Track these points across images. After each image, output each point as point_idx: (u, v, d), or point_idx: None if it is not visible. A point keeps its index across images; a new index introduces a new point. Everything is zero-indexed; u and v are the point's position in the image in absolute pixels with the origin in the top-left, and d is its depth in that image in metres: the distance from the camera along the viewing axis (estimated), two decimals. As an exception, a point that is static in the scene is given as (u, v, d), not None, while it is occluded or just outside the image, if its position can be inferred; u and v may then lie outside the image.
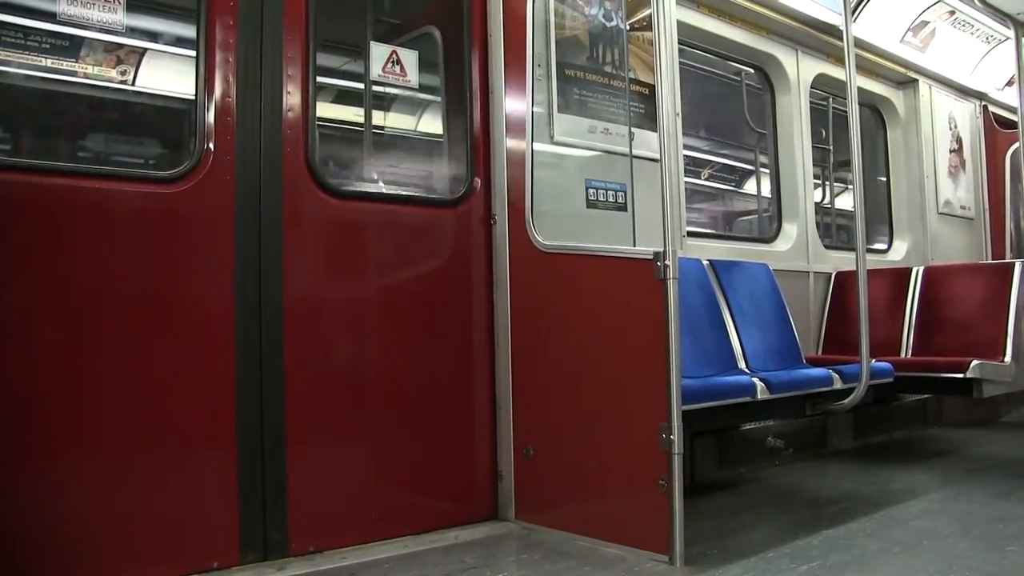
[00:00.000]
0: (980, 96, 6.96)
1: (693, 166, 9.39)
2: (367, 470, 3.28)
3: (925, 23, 6.00)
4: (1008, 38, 6.36)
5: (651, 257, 2.91)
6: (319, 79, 3.31)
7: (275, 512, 3.00)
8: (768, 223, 5.57)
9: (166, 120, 5.06)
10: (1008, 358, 4.60)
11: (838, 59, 5.50)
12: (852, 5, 5.13)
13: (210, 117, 2.96)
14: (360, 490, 3.24)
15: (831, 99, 5.96)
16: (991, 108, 7.08)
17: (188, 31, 3.16)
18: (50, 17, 2.90)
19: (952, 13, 6.04)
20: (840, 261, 5.49)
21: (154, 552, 2.75)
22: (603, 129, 3.85)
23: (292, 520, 3.03)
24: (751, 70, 5.45)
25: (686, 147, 5.11)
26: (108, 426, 2.70)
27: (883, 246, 6.33)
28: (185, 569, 2.80)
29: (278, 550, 2.99)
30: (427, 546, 3.20)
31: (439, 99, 4.07)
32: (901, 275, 5.46)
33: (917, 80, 6.32)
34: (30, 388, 2.58)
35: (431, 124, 5.01)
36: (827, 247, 5.59)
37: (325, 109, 5.32)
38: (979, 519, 3.42)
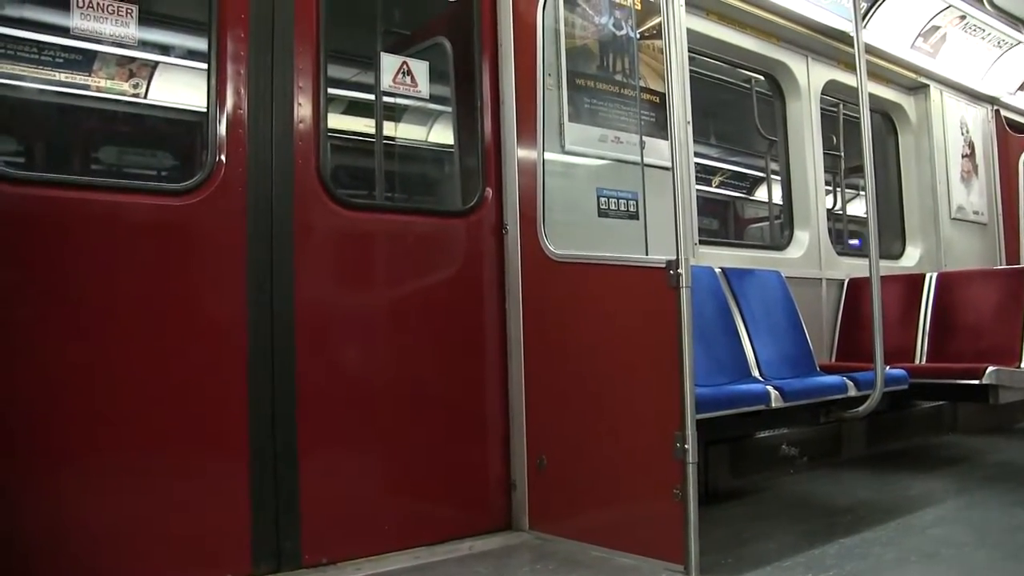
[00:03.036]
0: (992, 100, 6.93)
1: (704, 174, 9.39)
2: (380, 480, 3.27)
3: (936, 28, 5.98)
4: (1020, 42, 6.35)
5: (664, 265, 2.90)
6: (330, 91, 3.32)
7: (288, 523, 2.99)
8: (780, 230, 5.55)
9: (178, 132, 5.09)
10: (1024, 364, 4.57)
11: (848, 65, 5.48)
12: (862, 11, 5.11)
13: (222, 129, 2.97)
14: (373, 500, 3.24)
15: (841, 105, 5.94)
16: (1003, 112, 7.04)
17: (199, 44, 3.18)
18: (63, 32, 2.92)
19: (963, 18, 6.02)
20: (852, 268, 5.47)
21: (167, 562, 2.75)
22: (614, 138, 3.85)
23: (305, 531, 3.02)
24: (761, 77, 5.44)
25: (697, 155, 5.09)
26: (121, 437, 2.71)
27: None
28: (198, 580, 2.80)
29: (291, 561, 2.99)
30: (441, 556, 3.19)
31: (450, 109, 4.08)
32: (914, 281, 5.43)
33: (928, 85, 6.29)
34: (42, 399, 2.58)
35: (442, 134, 5.02)
36: (839, 254, 5.56)
37: (337, 120, 5.34)
38: (996, 527, 3.39)
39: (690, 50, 4.50)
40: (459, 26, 3.79)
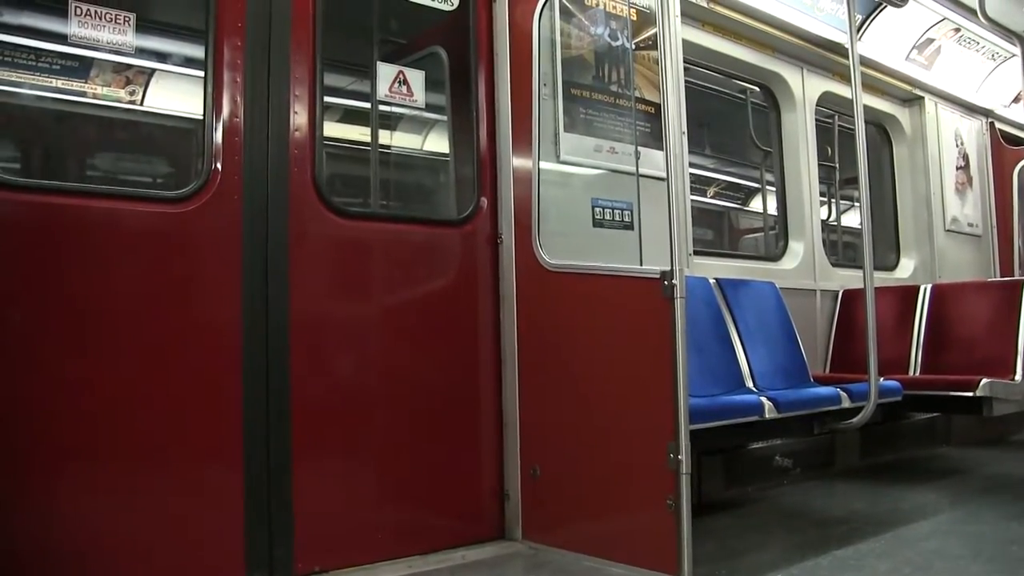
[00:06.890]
0: (986, 113, 6.96)
1: (699, 184, 9.39)
2: (373, 489, 3.27)
3: (930, 40, 6.01)
4: (1014, 55, 6.36)
5: (658, 276, 2.90)
6: (326, 99, 3.32)
7: (281, 531, 2.98)
8: (774, 241, 5.56)
9: (174, 140, 5.09)
10: (1019, 376, 4.57)
11: (843, 77, 5.50)
12: (857, 23, 5.14)
13: (218, 137, 2.98)
14: (366, 509, 3.23)
15: (836, 117, 5.96)
16: (998, 125, 7.07)
17: (196, 52, 3.18)
18: (61, 39, 2.92)
19: (958, 31, 6.04)
20: (847, 279, 5.48)
21: (160, 570, 2.74)
22: (609, 148, 3.86)
23: (298, 539, 3.01)
24: (756, 88, 5.46)
25: (691, 166, 5.10)
26: (115, 445, 2.70)
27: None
28: (190, 588, 2.79)
29: (284, 570, 2.98)
30: (434, 566, 3.18)
31: (445, 119, 4.09)
32: (909, 293, 5.43)
33: (923, 97, 6.32)
34: (36, 407, 2.58)
35: (437, 143, 5.02)
36: (834, 265, 5.57)
37: (333, 129, 5.34)
38: (991, 540, 3.39)
39: (685, 61, 4.52)
40: (455, 36, 3.79)
